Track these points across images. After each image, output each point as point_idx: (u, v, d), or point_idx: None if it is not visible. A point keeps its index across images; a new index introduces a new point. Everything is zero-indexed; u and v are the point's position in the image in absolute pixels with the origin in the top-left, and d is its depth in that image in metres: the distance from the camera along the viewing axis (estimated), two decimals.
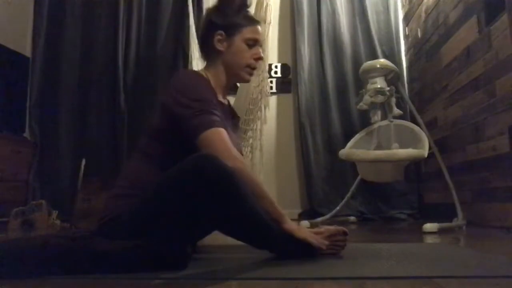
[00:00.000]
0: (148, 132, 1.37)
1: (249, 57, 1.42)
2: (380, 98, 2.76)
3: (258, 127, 3.03)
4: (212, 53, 1.43)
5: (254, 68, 1.44)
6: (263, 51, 3.05)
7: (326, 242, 1.29)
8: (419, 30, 3.47)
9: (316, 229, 1.38)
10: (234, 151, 1.25)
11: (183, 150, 1.23)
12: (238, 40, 1.41)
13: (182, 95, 1.27)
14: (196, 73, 1.40)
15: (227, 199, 1.14)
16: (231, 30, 1.40)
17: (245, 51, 1.41)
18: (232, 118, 1.53)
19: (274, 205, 1.26)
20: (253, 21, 1.45)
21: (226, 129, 1.29)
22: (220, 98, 1.44)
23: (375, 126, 2.97)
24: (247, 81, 1.48)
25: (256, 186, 1.24)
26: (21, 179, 3.38)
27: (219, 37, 1.40)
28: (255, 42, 1.43)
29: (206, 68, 1.45)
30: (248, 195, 1.19)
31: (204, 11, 1.50)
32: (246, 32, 1.41)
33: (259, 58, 1.45)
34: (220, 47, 1.41)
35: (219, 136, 1.23)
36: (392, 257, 1.32)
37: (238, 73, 1.44)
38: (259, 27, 1.46)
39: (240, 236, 1.24)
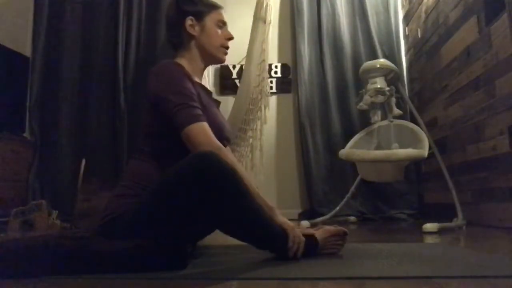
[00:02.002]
0: (142, 129, 1.40)
1: (222, 37, 1.50)
2: (380, 98, 2.76)
3: (258, 127, 3.03)
4: (185, 38, 1.47)
5: (227, 48, 1.53)
6: (263, 50, 3.06)
7: (300, 250, 1.27)
8: (419, 30, 3.47)
9: (315, 229, 1.38)
10: (217, 144, 1.27)
11: (177, 143, 1.26)
12: (209, 23, 1.48)
13: (162, 89, 1.30)
14: (172, 63, 1.40)
15: (229, 197, 1.14)
16: (200, 15, 1.47)
17: (218, 33, 1.50)
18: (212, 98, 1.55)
19: (262, 199, 1.27)
20: (217, 5, 1.54)
21: (211, 112, 1.36)
22: (197, 79, 1.46)
23: (375, 126, 2.97)
24: (223, 61, 1.55)
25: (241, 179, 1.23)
26: (21, 179, 3.38)
27: (190, 22, 1.46)
28: (223, 24, 1.52)
29: (180, 55, 1.48)
30: (249, 194, 1.19)
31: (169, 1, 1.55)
32: (215, 16, 1.50)
33: (230, 38, 1.54)
34: (193, 32, 1.46)
35: (202, 131, 1.26)
36: (392, 257, 1.32)
37: (214, 54, 1.50)
38: (222, 11, 1.54)
39: (241, 236, 1.24)
